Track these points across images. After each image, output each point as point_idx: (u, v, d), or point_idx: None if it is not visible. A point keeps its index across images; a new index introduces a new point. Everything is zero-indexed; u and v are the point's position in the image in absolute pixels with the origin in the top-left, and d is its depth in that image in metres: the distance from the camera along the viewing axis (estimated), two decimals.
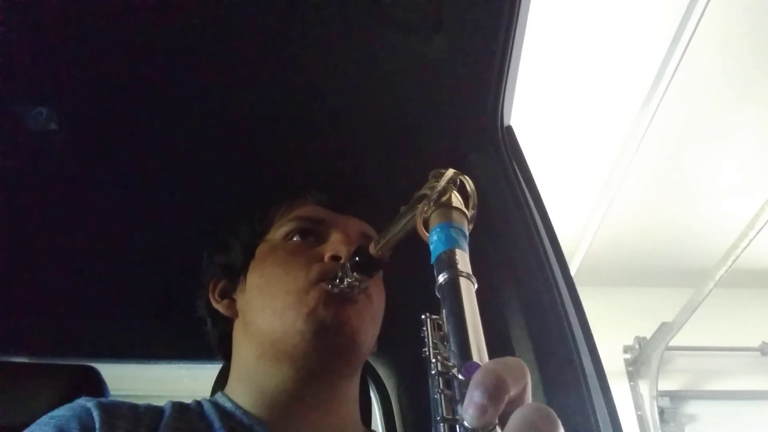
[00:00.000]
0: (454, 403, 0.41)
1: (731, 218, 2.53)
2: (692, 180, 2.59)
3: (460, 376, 0.42)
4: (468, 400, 0.38)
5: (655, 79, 1.97)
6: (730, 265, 2.43)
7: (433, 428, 0.42)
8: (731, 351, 3.06)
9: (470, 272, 0.49)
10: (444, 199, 0.55)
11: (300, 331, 0.70)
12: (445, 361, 0.44)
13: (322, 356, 0.71)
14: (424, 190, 0.57)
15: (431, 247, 0.53)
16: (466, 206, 0.56)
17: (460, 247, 0.51)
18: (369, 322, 0.74)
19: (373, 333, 0.77)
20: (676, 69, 1.89)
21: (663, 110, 2.06)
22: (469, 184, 0.58)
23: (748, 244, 2.31)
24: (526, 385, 0.41)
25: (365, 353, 0.77)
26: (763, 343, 3.07)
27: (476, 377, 0.39)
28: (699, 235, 2.83)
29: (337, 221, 0.81)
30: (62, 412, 0.65)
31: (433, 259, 0.52)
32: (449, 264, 0.50)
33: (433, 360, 0.45)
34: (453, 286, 0.48)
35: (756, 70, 2.08)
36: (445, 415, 0.41)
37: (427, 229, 0.55)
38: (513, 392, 0.39)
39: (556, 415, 0.38)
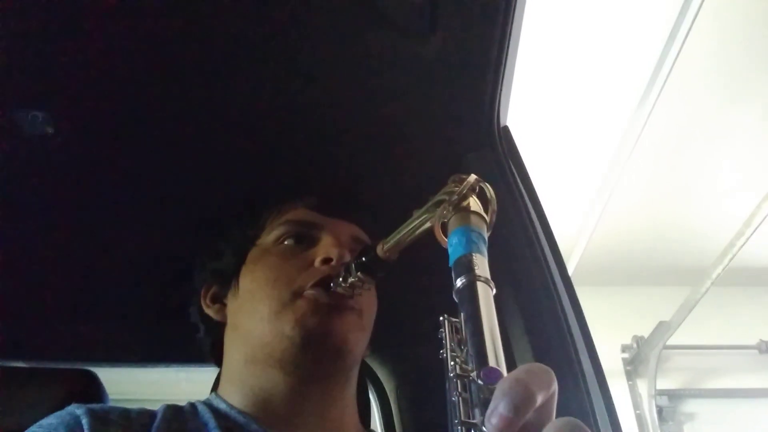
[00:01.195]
0: (471, 406, 0.41)
1: (728, 217, 2.53)
2: (689, 179, 2.59)
3: (479, 381, 0.41)
4: (492, 409, 0.37)
5: (651, 79, 1.98)
6: (727, 264, 2.43)
7: (450, 431, 0.41)
8: (729, 349, 3.06)
9: (489, 277, 0.49)
10: (464, 203, 0.55)
11: (289, 337, 0.70)
12: (463, 365, 0.44)
13: (310, 362, 0.71)
14: (442, 195, 0.57)
15: (450, 250, 0.53)
16: (485, 212, 0.56)
17: (480, 252, 0.51)
18: (357, 331, 0.74)
19: (363, 341, 0.76)
20: (672, 68, 1.90)
21: (659, 110, 2.06)
22: (489, 191, 0.58)
23: (745, 243, 2.32)
24: (553, 393, 0.40)
25: (355, 360, 0.76)
26: (761, 341, 3.08)
27: (504, 386, 0.38)
28: (696, 234, 2.83)
29: (328, 225, 0.80)
30: (50, 420, 0.64)
31: (451, 263, 0.52)
32: (468, 268, 0.49)
33: (451, 363, 0.44)
34: (471, 290, 0.48)
35: (752, 70, 2.09)
36: (463, 418, 0.40)
37: (444, 234, 0.55)
38: (539, 402, 0.38)
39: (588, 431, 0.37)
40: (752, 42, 1.98)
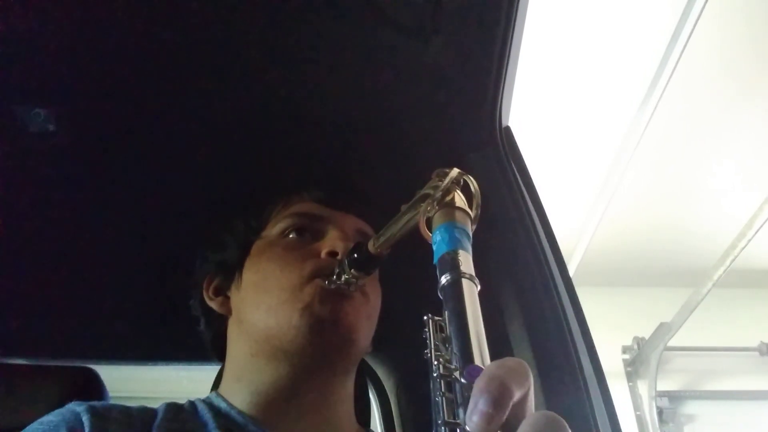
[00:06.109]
0: (455, 406, 0.41)
1: (729, 218, 2.53)
2: (690, 180, 2.59)
3: (462, 380, 0.41)
4: (472, 408, 0.38)
5: (653, 79, 1.98)
6: (729, 265, 2.43)
7: (434, 431, 0.41)
8: (730, 351, 3.06)
9: (473, 274, 0.49)
10: (448, 198, 0.55)
11: (296, 327, 0.70)
12: (447, 364, 0.44)
13: (317, 352, 0.71)
14: (427, 189, 0.57)
15: (434, 247, 0.52)
16: (470, 206, 0.56)
17: (464, 248, 0.51)
18: (365, 320, 0.74)
19: (369, 331, 0.76)
20: (674, 69, 1.90)
21: (661, 110, 2.06)
22: (473, 184, 0.57)
23: (747, 244, 2.32)
24: (530, 386, 0.41)
25: (360, 351, 0.76)
26: (762, 343, 3.08)
27: (480, 383, 0.38)
28: (697, 235, 2.83)
29: (334, 218, 0.80)
30: (51, 417, 0.64)
31: (435, 260, 0.51)
32: (452, 265, 0.49)
33: (435, 362, 0.44)
34: (456, 287, 0.48)
35: (755, 70, 2.08)
36: (446, 418, 0.40)
37: (429, 229, 0.55)
38: (517, 397, 0.39)
39: (566, 424, 0.37)
40: (755, 42, 1.98)
